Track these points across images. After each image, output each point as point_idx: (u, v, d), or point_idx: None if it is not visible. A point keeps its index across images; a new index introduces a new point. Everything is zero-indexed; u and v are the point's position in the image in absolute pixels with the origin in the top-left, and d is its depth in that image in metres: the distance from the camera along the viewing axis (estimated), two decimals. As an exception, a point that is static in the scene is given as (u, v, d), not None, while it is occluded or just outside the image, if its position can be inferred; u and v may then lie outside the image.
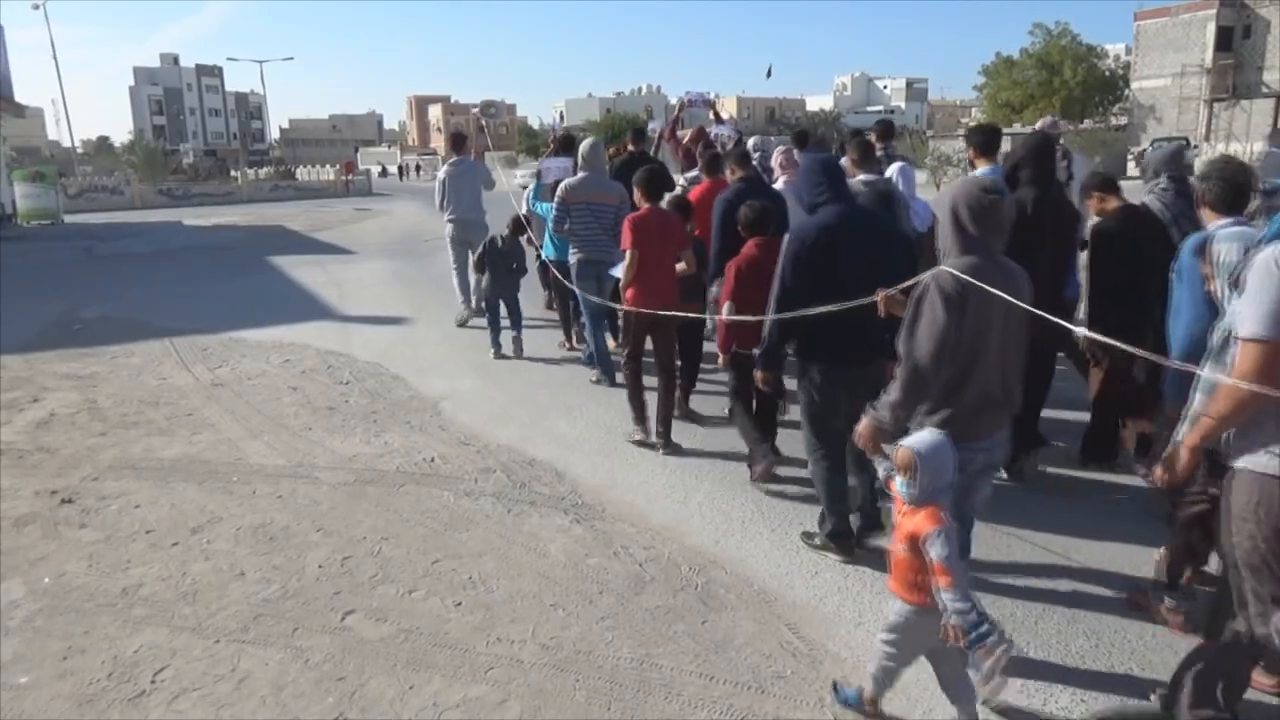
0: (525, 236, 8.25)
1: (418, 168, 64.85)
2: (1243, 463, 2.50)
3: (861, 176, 5.73)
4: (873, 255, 3.88)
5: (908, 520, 2.73)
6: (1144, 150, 40.14)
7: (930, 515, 2.67)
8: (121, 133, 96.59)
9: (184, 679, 3.31)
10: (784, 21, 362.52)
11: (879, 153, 7.06)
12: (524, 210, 8.80)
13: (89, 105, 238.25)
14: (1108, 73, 56.59)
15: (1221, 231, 3.33)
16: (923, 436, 2.82)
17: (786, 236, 4.18)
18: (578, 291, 7.10)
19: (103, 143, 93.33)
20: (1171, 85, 49.17)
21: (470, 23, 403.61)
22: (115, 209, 31.93)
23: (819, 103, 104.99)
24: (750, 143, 7.71)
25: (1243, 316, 2.44)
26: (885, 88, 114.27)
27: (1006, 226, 3.14)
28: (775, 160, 6.92)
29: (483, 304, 8.87)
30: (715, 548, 4.32)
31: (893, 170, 6.61)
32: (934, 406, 3.12)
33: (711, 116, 10.92)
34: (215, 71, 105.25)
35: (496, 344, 8.33)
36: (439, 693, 3.20)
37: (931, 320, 3.02)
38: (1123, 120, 51.77)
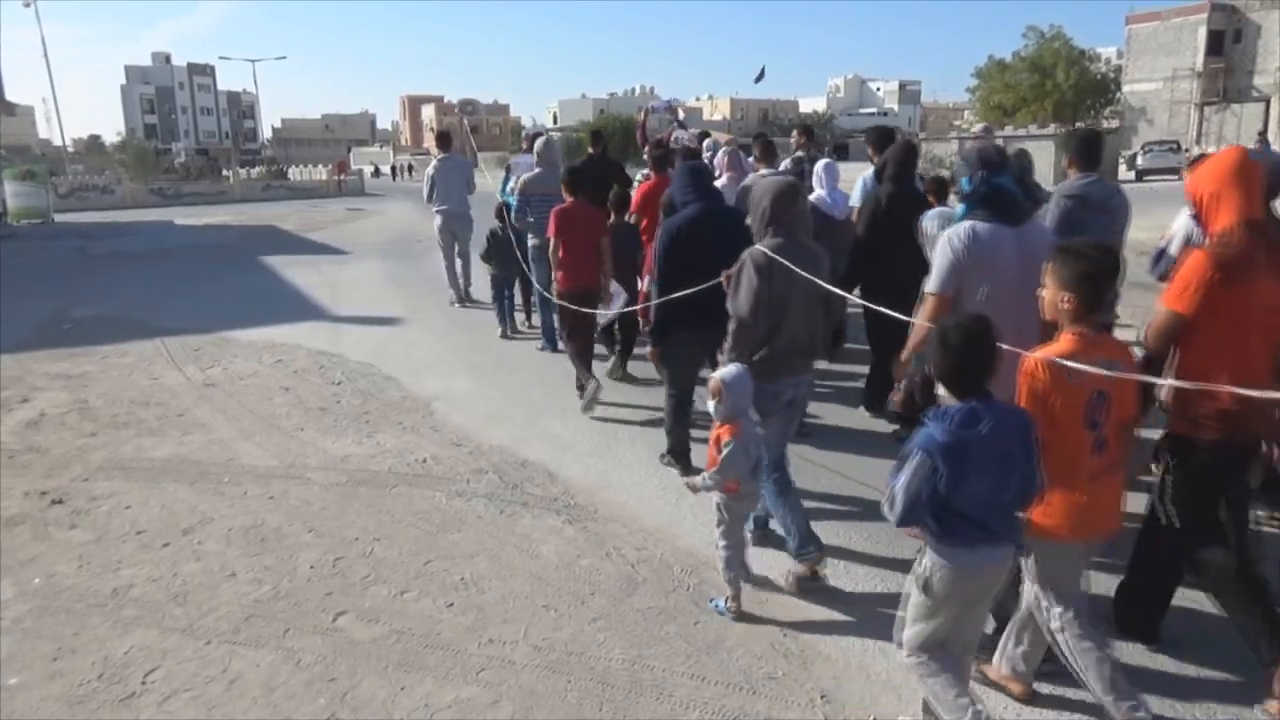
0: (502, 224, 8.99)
1: (409, 168, 64.60)
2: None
3: (764, 171, 6.65)
4: (726, 243, 4.34)
5: (717, 431, 3.68)
6: (1134, 154, 40.37)
7: (730, 428, 3.63)
8: (113, 131, 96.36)
9: (175, 680, 3.31)
10: (779, 23, 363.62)
11: (801, 152, 8.28)
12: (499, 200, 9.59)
13: (80, 104, 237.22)
14: (1099, 76, 56.75)
15: (929, 211, 4.31)
16: (728, 369, 3.72)
17: (659, 230, 5.19)
18: (533, 276, 8.01)
19: (94, 141, 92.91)
20: (1163, 89, 49.43)
21: (465, 23, 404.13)
22: (106, 208, 31.78)
23: (812, 104, 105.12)
24: (705, 143, 9.34)
25: (929, 277, 3.55)
26: (878, 90, 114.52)
27: (804, 216, 4.05)
28: (719, 160, 7.78)
29: (467, 290, 10.56)
30: (707, 549, 4.31)
31: (819, 166, 7.22)
32: (755, 349, 3.95)
33: (674, 122, 12.12)
34: (208, 70, 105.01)
35: (503, 325, 9.21)
36: (431, 694, 3.20)
37: (748, 286, 3.89)
38: (1114, 123, 51.97)
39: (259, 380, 7.59)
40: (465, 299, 11.00)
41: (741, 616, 3.66)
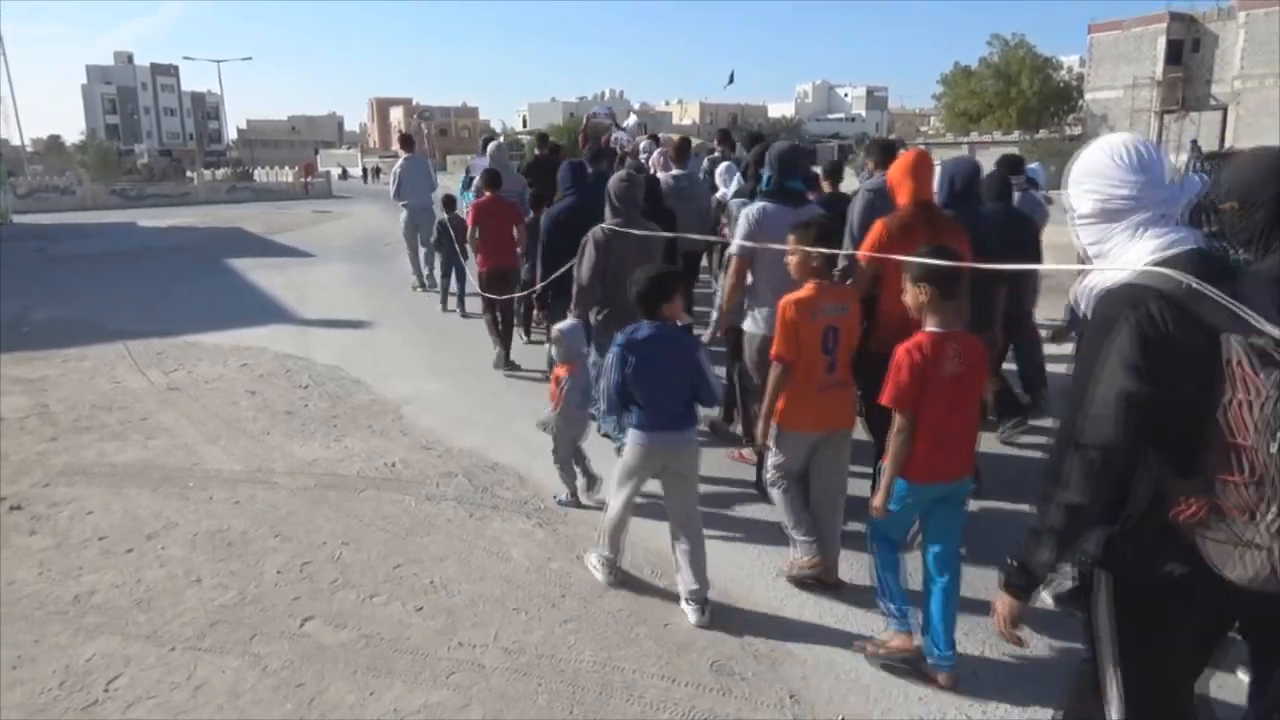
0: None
1: (377, 170, 63.87)
2: (743, 325, 4.72)
3: (675, 171, 7.56)
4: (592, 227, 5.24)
5: (557, 371, 4.70)
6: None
7: (567, 367, 4.66)
8: (73, 131, 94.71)
9: (138, 687, 3.26)
10: (748, 29, 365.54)
11: (718, 153, 9.34)
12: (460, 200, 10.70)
13: (40, 103, 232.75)
14: (1062, 83, 57.67)
15: (734, 200, 4.95)
16: (565, 323, 4.84)
17: (543, 216, 6.38)
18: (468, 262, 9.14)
19: (54, 142, 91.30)
20: (1124, 96, 50.26)
21: (435, 26, 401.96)
22: (66, 209, 31.17)
23: (781, 110, 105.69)
24: (642, 144, 10.82)
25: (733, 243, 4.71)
26: (846, 96, 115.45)
27: (640, 201, 5.21)
28: (653, 159, 8.97)
29: (434, 275, 11.29)
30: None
31: (720, 167, 8.14)
32: (598, 309, 5.00)
33: (612, 126, 13.91)
34: (171, 70, 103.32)
35: (445, 301, 10.58)
36: (400, 698, 3.18)
37: (589, 257, 4.99)
38: (1077, 130, 52.77)
39: (224, 384, 7.49)
40: (426, 285, 12.03)
41: (713, 624, 3.68)
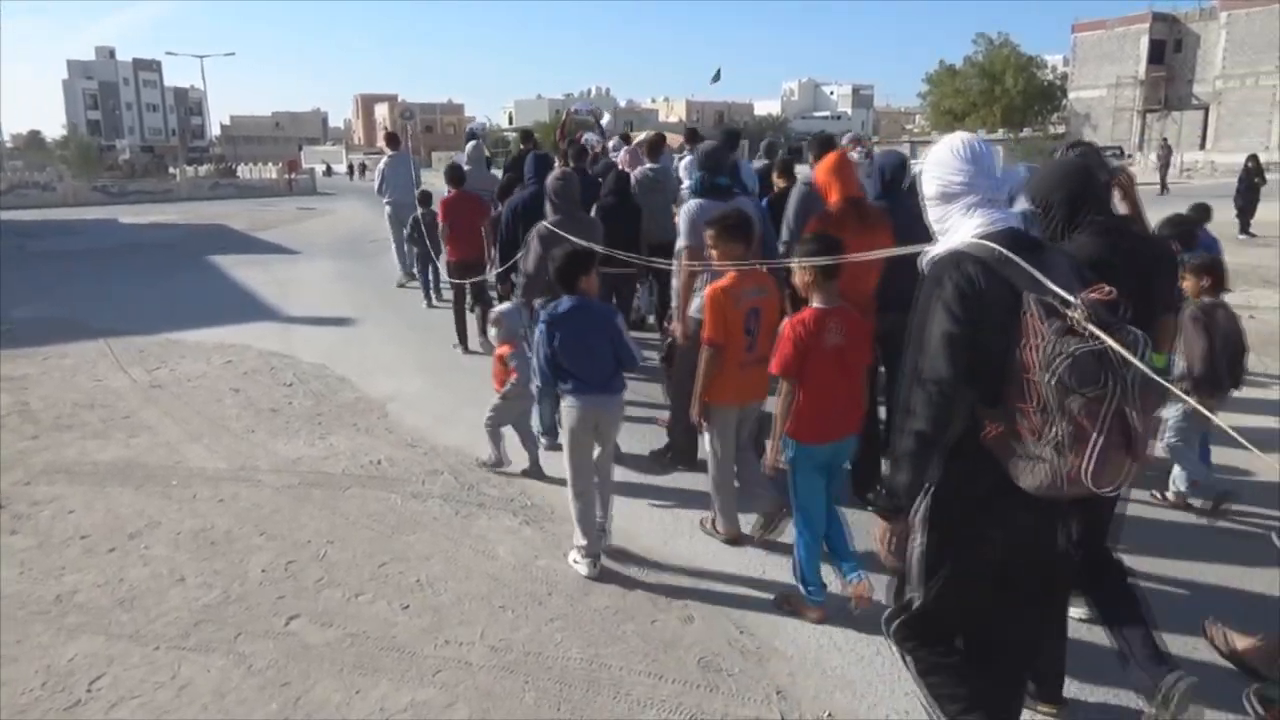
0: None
1: (363, 167, 63.37)
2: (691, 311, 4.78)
3: (647, 165, 7.76)
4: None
5: (499, 350, 5.25)
6: (1080, 158, 41.27)
7: (509, 344, 5.21)
8: (54, 127, 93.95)
9: (122, 687, 3.24)
10: (734, 27, 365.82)
11: (686, 149, 9.58)
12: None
13: (20, 98, 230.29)
14: (1047, 82, 58.04)
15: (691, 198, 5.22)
16: (505, 306, 5.51)
17: (504, 206, 6.86)
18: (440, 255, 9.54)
19: (34, 137, 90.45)
20: (1107, 95, 50.66)
21: (420, 22, 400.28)
22: (47, 206, 30.85)
23: (767, 107, 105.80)
24: (611, 143, 11.23)
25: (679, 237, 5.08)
26: (832, 94, 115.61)
27: (576, 197, 5.53)
28: (620, 157, 9.18)
29: (414, 269, 11.39)
30: (664, 548, 4.35)
31: (683, 162, 8.38)
32: (540, 293, 5.17)
33: (597, 124, 14.45)
34: (154, 66, 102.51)
35: (428, 296, 10.88)
36: (386, 696, 3.17)
37: (534, 250, 5.29)
38: (1061, 129, 53.15)
39: (208, 382, 7.45)
40: (410, 278, 12.11)
41: (699, 621, 3.68)
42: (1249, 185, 16.73)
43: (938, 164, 2.33)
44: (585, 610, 3.75)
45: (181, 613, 3.75)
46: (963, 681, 2.47)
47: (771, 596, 3.85)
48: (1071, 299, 2.03)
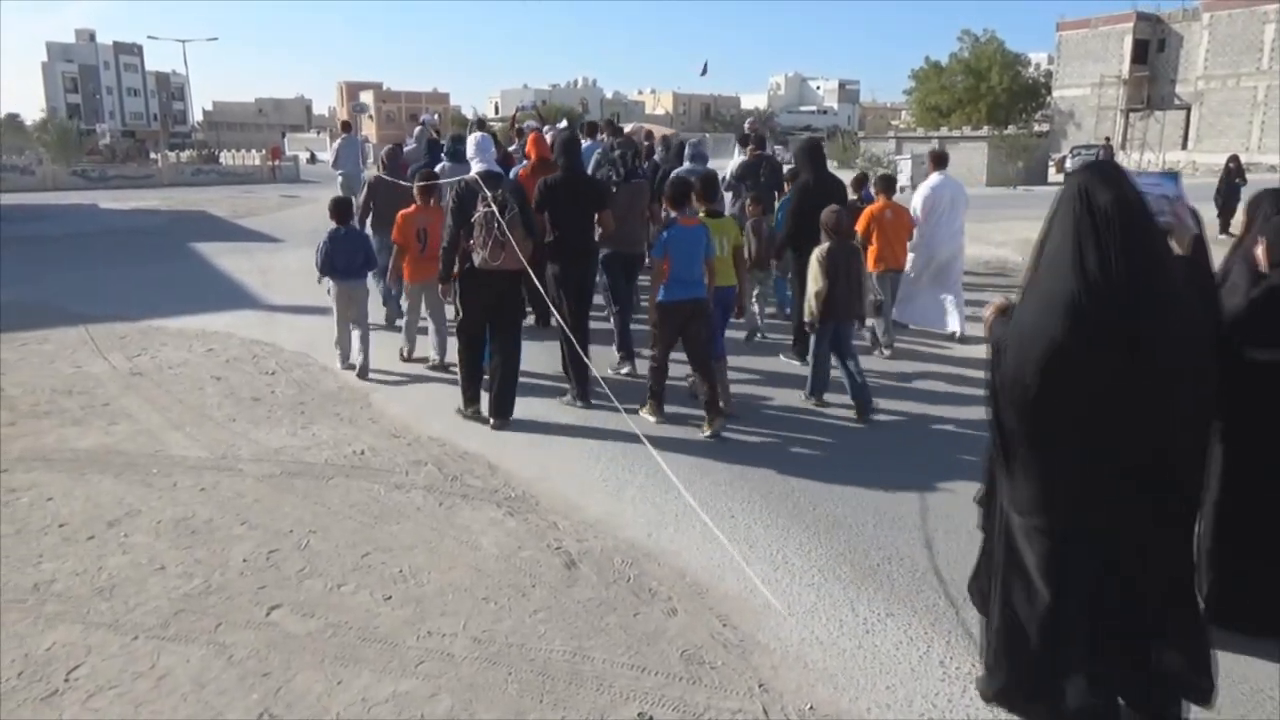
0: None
1: (311, 156, 62.01)
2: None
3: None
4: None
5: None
6: (1064, 157, 41.54)
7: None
8: (33, 110, 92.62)
9: (100, 677, 3.21)
10: (721, 20, 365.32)
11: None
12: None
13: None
14: (1031, 80, 58.32)
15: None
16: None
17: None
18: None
19: (12, 120, 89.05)
20: (1090, 94, 50.90)
21: (405, 9, 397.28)
22: (25, 190, 30.40)
23: (754, 101, 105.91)
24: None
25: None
26: (818, 88, 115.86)
27: (399, 163, 8.16)
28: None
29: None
30: (648, 540, 4.35)
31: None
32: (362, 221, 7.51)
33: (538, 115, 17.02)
34: (135, 50, 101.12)
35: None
36: (368, 687, 3.16)
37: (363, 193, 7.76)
38: (1044, 127, 53.40)
39: (189, 369, 7.38)
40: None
41: (674, 612, 3.69)
42: (1229, 185, 16.96)
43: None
44: (568, 602, 3.75)
45: (161, 602, 3.72)
46: None
47: (755, 589, 3.86)
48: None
